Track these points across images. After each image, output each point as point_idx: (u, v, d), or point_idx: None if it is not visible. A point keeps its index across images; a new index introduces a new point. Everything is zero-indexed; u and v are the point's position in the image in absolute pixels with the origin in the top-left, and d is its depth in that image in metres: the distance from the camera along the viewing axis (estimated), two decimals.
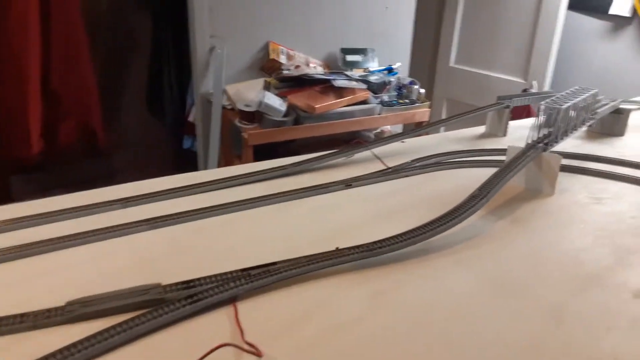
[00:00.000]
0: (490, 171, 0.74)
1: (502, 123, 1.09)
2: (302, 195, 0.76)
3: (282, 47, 2.34)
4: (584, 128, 0.96)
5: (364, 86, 2.20)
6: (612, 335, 0.49)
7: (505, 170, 0.73)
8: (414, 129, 1.11)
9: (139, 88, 2.59)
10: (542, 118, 0.82)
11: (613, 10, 2.36)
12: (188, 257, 0.59)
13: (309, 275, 0.55)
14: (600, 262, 0.62)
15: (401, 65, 2.61)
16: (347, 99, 2.11)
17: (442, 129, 1.31)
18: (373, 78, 2.28)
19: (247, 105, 1.99)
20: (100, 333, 0.43)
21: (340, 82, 2.11)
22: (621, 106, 1.12)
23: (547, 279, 0.58)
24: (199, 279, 0.51)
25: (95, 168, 2.48)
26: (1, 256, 0.56)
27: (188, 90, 2.47)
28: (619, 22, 2.40)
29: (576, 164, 0.92)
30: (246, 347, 0.44)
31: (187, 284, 0.50)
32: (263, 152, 1.89)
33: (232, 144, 2.18)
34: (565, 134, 0.87)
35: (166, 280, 0.51)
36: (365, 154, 0.93)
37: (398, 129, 2.63)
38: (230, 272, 0.53)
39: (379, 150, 0.95)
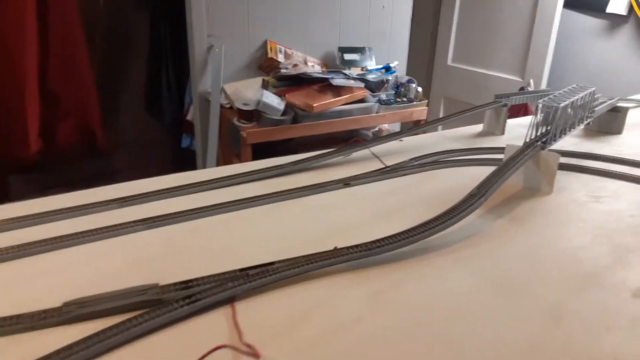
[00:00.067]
0: (488, 170, 0.74)
1: (499, 121, 1.09)
2: (300, 195, 0.75)
3: (280, 46, 2.34)
4: (582, 126, 0.96)
5: (362, 85, 2.19)
6: (612, 335, 0.49)
7: (503, 168, 0.73)
8: (412, 127, 1.11)
9: (138, 87, 2.58)
10: (540, 116, 0.82)
11: (609, 8, 2.36)
12: (185, 257, 0.59)
13: (307, 275, 0.55)
14: (599, 261, 0.62)
15: (399, 64, 2.61)
16: (345, 97, 2.11)
17: (439, 127, 1.31)
18: (371, 77, 2.28)
19: (245, 104, 1.98)
20: (97, 334, 0.43)
21: (338, 80, 2.11)
22: (619, 104, 1.12)
23: (546, 278, 0.58)
24: (196, 279, 0.51)
25: (94, 168, 2.47)
26: None
27: (186, 89, 2.46)
28: (616, 21, 2.40)
29: (574, 162, 0.92)
30: (244, 348, 0.44)
31: (185, 284, 0.50)
32: (261, 150, 1.88)
33: (231, 143, 2.18)
34: (563, 132, 0.87)
35: (163, 281, 0.50)
36: (364, 152, 0.93)
37: (396, 127, 2.63)
38: (229, 272, 0.52)
39: (377, 149, 0.95)
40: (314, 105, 1.98)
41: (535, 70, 2.58)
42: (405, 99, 2.33)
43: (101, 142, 2.21)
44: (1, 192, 2.21)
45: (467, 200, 0.65)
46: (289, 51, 2.36)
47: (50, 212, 0.65)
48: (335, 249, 0.57)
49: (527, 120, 1.18)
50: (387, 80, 2.35)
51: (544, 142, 0.81)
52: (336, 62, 2.48)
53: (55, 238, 0.59)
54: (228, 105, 2.16)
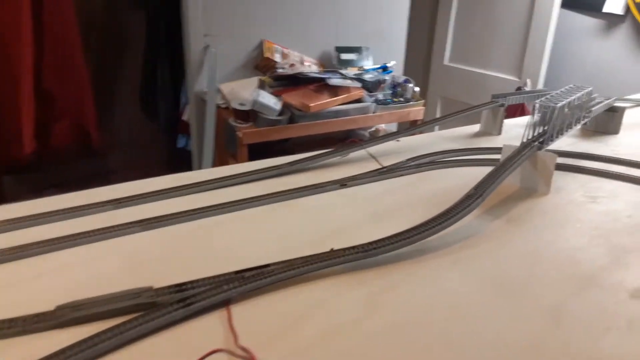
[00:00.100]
0: (485, 170, 0.73)
1: (496, 121, 1.09)
2: (296, 195, 0.75)
3: (276, 46, 2.33)
4: (579, 126, 0.96)
5: (359, 85, 2.19)
6: (611, 336, 0.49)
7: (500, 169, 0.73)
8: (409, 127, 1.11)
9: (133, 87, 2.57)
10: (537, 116, 0.82)
11: (606, 8, 2.36)
12: (180, 259, 0.58)
13: (303, 277, 0.54)
14: (596, 262, 0.62)
15: (396, 64, 2.61)
16: (341, 97, 2.10)
17: (436, 127, 1.31)
18: (368, 76, 2.28)
19: (241, 104, 1.98)
20: (90, 338, 0.43)
21: (334, 80, 2.11)
22: (616, 104, 1.12)
23: (544, 278, 0.58)
24: (191, 282, 0.50)
25: (89, 168, 2.46)
26: None
27: (182, 89, 2.45)
28: (613, 20, 2.40)
29: (571, 163, 0.92)
30: (239, 352, 0.43)
31: (180, 287, 0.50)
32: (258, 150, 1.88)
33: (227, 143, 2.17)
34: (560, 132, 0.87)
35: (158, 283, 0.50)
36: (360, 153, 0.93)
37: (393, 127, 2.63)
38: (224, 275, 0.52)
39: (374, 149, 0.94)
40: (311, 105, 1.98)
41: (532, 70, 2.59)
42: (402, 99, 2.33)
43: (96, 142, 2.20)
44: None
45: (465, 201, 0.65)
46: (285, 51, 2.36)
47: (44, 213, 0.64)
48: (332, 250, 0.57)
49: (524, 120, 1.17)
50: (384, 80, 2.35)
51: (541, 143, 0.81)
52: (333, 61, 2.47)
53: (49, 240, 0.58)
54: (224, 105, 2.15)
